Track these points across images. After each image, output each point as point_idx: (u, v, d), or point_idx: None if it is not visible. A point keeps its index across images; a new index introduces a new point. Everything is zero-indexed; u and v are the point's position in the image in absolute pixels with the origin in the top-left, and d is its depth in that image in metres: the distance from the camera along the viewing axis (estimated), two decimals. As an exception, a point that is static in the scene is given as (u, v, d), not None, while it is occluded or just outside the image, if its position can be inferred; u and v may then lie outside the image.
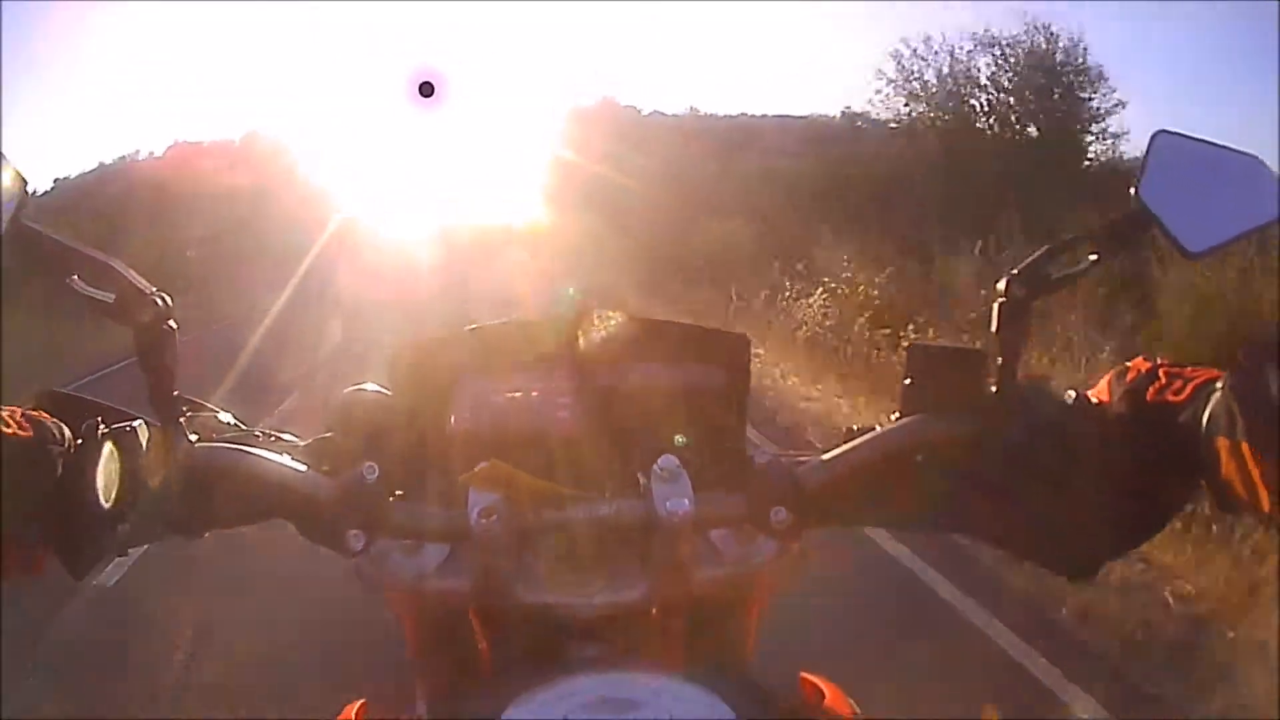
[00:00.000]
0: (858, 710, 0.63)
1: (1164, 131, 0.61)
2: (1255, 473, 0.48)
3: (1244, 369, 0.49)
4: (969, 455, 0.57)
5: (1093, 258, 0.58)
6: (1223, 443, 0.49)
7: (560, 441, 0.69)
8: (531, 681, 0.50)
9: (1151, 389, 0.55)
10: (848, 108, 15.53)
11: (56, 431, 0.54)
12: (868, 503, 0.60)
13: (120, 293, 0.56)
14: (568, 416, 0.70)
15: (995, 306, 0.57)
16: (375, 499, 0.57)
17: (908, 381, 0.58)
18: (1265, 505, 0.48)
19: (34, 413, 0.55)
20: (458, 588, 0.59)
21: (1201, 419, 0.51)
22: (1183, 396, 0.53)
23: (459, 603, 0.61)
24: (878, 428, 0.59)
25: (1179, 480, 0.56)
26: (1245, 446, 0.48)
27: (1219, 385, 0.51)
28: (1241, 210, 0.60)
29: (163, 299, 0.57)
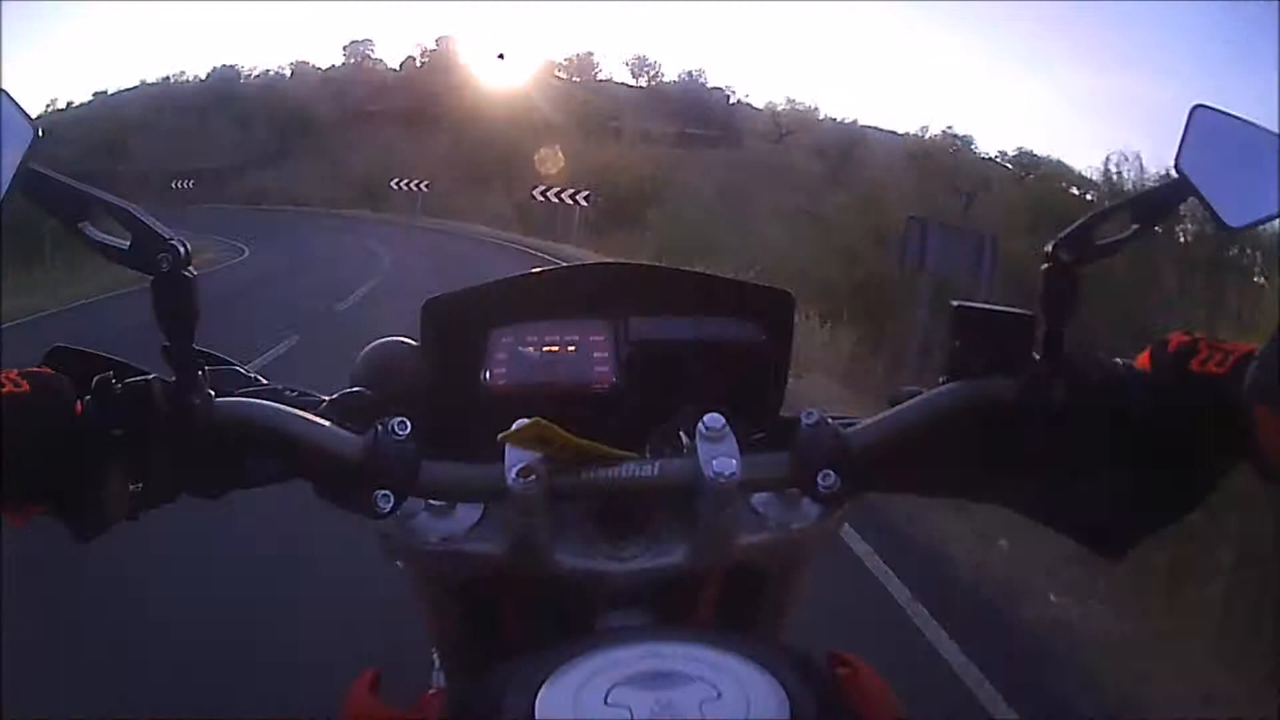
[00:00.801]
0: (891, 691, 0.62)
1: (1202, 106, 0.62)
2: None
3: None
4: (1013, 422, 0.57)
5: (1135, 226, 0.58)
6: (1262, 411, 0.49)
7: (598, 397, 0.67)
8: (568, 653, 0.48)
9: (1195, 360, 0.55)
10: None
11: (62, 388, 0.51)
12: (912, 469, 0.59)
13: (136, 238, 0.53)
14: (606, 371, 0.68)
15: (1042, 272, 0.57)
16: (406, 456, 0.54)
17: (956, 344, 0.58)
18: None
19: (40, 370, 0.52)
20: (491, 551, 0.57)
21: (1241, 388, 0.50)
22: (1225, 368, 0.53)
23: (491, 567, 0.58)
24: (923, 392, 0.58)
25: (1219, 453, 0.55)
26: None
27: (1258, 355, 0.51)
28: (1277, 190, 0.60)
29: (182, 245, 0.54)
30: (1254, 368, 0.50)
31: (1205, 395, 0.53)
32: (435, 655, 0.71)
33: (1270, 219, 0.60)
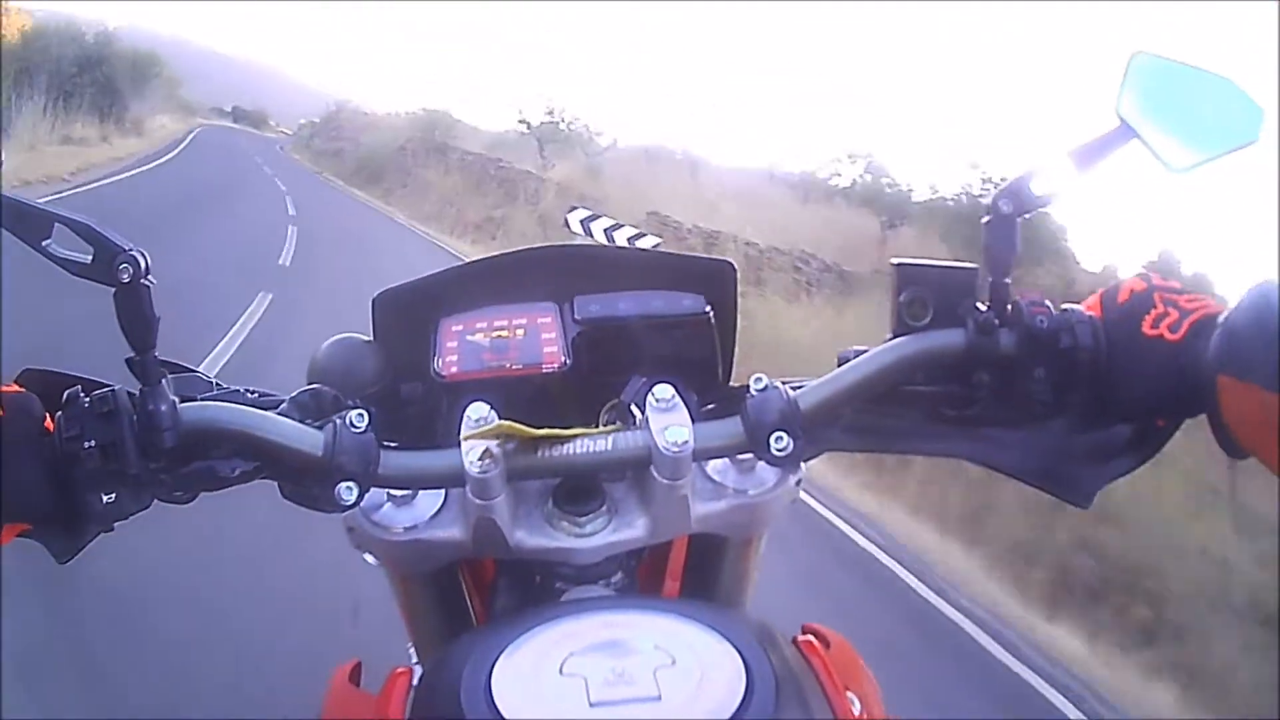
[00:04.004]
0: (863, 662, 0.62)
1: (1140, 52, 0.61)
2: (1261, 416, 0.46)
3: (1247, 306, 0.48)
4: (963, 373, 0.57)
5: (1076, 176, 0.58)
6: (1226, 381, 0.48)
7: (549, 378, 0.68)
8: (525, 625, 0.49)
9: (1148, 318, 0.54)
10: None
11: (32, 407, 0.52)
12: (863, 427, 0.60)
13: (97, 251, 0.54)
14: (555, 351, 0.69)
15: (983, 223, 0.57)
16: (365, 447, 0.55)
17: (900, 300, 0.58)
18: (1275, 455, 0.46)
19: (10, 390, 0.53)
20: (454, 537, 0.58)
21: (1203, 354, 0.49)
22: (1179, 334, 0.52)
23: (455, 553, 0.59)
24: (869, 350, 0.58)
25: (1174, 417, 0.55)
26: (1256, 389, 0.46)
27: (1220, 321, 0.50)
28: (1221, 131, 0.60)
29: (141, 255, 0.55)
30: (1219, 336, 0.49)
31: (1161, 359, 0.52)
32: (410, 646, 0.72)
33: (1214, 159, 0.60)
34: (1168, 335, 0.53)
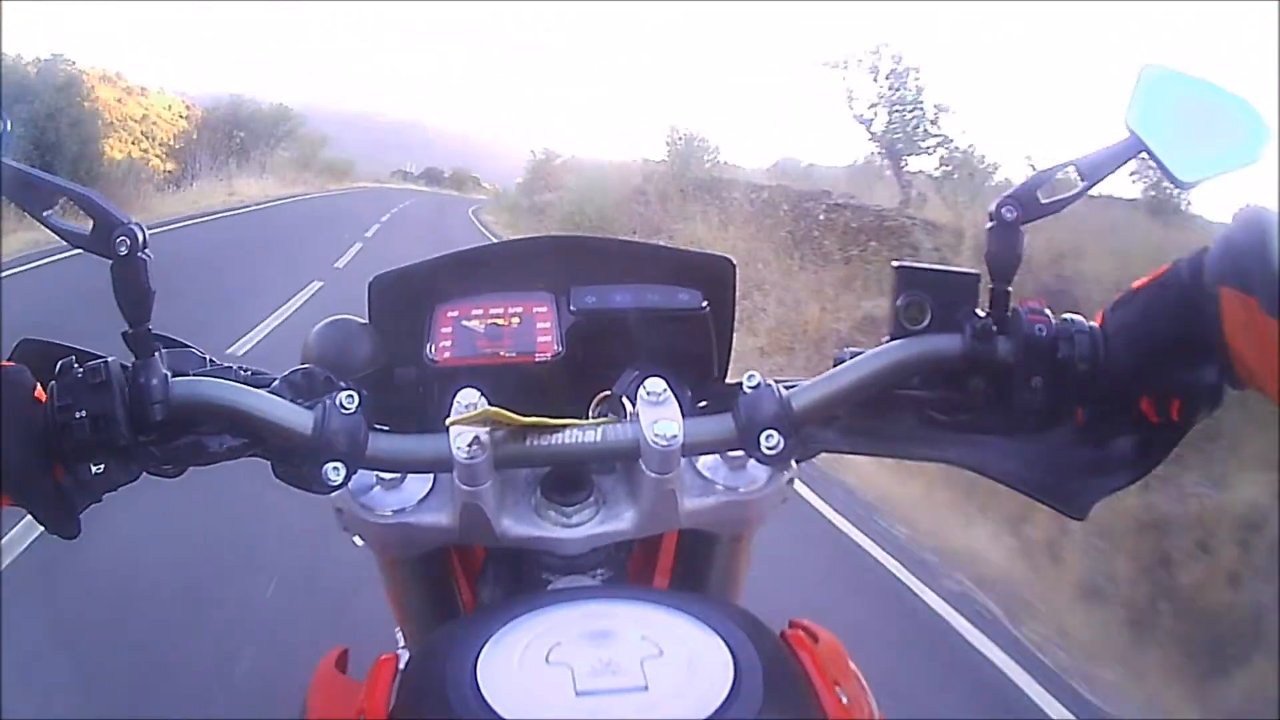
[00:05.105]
0: (851, 660, 0.61)
1: (1150, 64, 0.61)
2: (1263, 338, 0.45)
3: (1241, 222, 0.47)
4: (960, 378, 0.57)
5: (1083, 184, 0.57)
6: (1228, 294, 0.47)
7: (541, 366, 0.68)
8: (512, 613, 0.48)
9: (1139, 281, 0.54)
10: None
11: (22, 379, 0.52)
12: (859, 429, 0.59)
13: (97, 223, 0.54)
14: (549, 341, 0.69)
15: (987, 229, 0.56)
16: (354, 428, 0.54)
17: (898, 303, 0.57)
18: (1275, 383, 0.45)
19: (6, 363, 0.53)
20: (441, 522, 0.58)
21: (1199, 275, 0.49)
22: (1162, 270, 0.52)
23: (442, 538, 0.59)
24: (866, 351, 0.58)
25: (1175, 378, 0.54)
26: (1257, 309, 0.45)
27: (1214, 240, 0.49)
28: (1228, 147, 0.60)
29: (139, 229, 0.55)
30: (1216, 249, 0.49)
31: (1149, 305, 0.52)
32: (398, 631, 0.72)
33: (1221, 173, 0.60)
34: (1157, 273, 0.52)
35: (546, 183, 21.78)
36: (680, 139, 15.52)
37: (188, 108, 24.53)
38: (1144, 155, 0.57)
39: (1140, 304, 0.53)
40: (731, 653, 0.44)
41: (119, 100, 21.74)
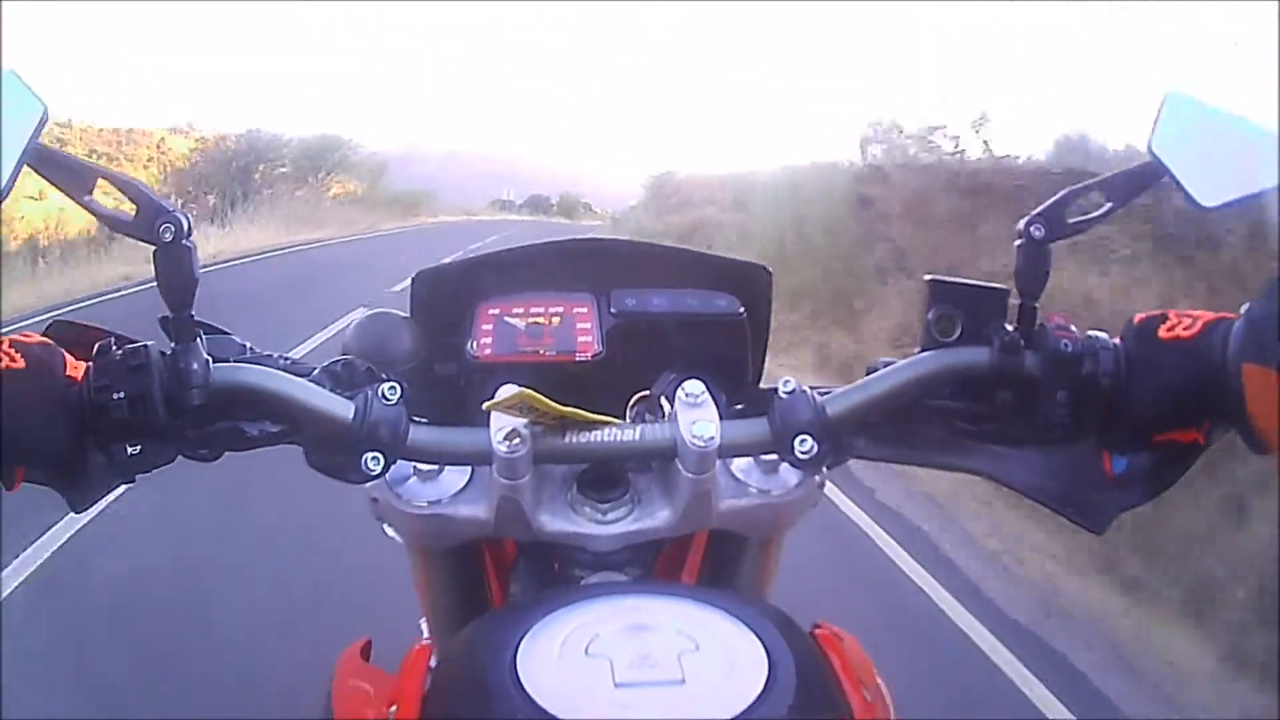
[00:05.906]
0: (873, 664, 0.63)
1: (1175, 92, 0.63)
2: None
3: (1267, 296, 0.49)
4: (987, 390, 0.58)
5: (1107, 205, 0.59)
6: (1251, 370, 0.49)
7: (581, 366, 0.69)
8: (551, 606, 0.49)
9: (1163, 327, 0.55)
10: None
11: (54, 358, 0.53)
12: (888, 437, 0.61)
13: (141, 209, 0.55)
14: (590, 341, 0.70)
15: (1015, 246, 0.58)
16: (395, 419, 0.55)
17: (930, 316, 0.59)
18: None
19: (38, 340, 0.53)
20: (477, 515, 0.59)
21: (1224, 348, 0.51)
22: (1194, 331, 0.54)
23: (477, 531, 0.60)
24: (897, 361, 0.60)
25: (1196, 423, 0.56)
26: (1278, 378, 0.47)
27: (1240, 313, 0.51)
28: (1249, 175, 0.62)
29: (185, 217, 0.56)
30: (1240, 325, 0.51)
31: (1179, 360, 0.54)
32: (423, 623, 0.72)
33: (1242, 201, 0.62)
34: (1183, 334, 0.54)
35: (664, 204, 18.30)
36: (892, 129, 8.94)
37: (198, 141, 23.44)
38: (1166, 179, 0.59)
39: (1167, 359, 0.54)
40: (766, 650, 0.45)
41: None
